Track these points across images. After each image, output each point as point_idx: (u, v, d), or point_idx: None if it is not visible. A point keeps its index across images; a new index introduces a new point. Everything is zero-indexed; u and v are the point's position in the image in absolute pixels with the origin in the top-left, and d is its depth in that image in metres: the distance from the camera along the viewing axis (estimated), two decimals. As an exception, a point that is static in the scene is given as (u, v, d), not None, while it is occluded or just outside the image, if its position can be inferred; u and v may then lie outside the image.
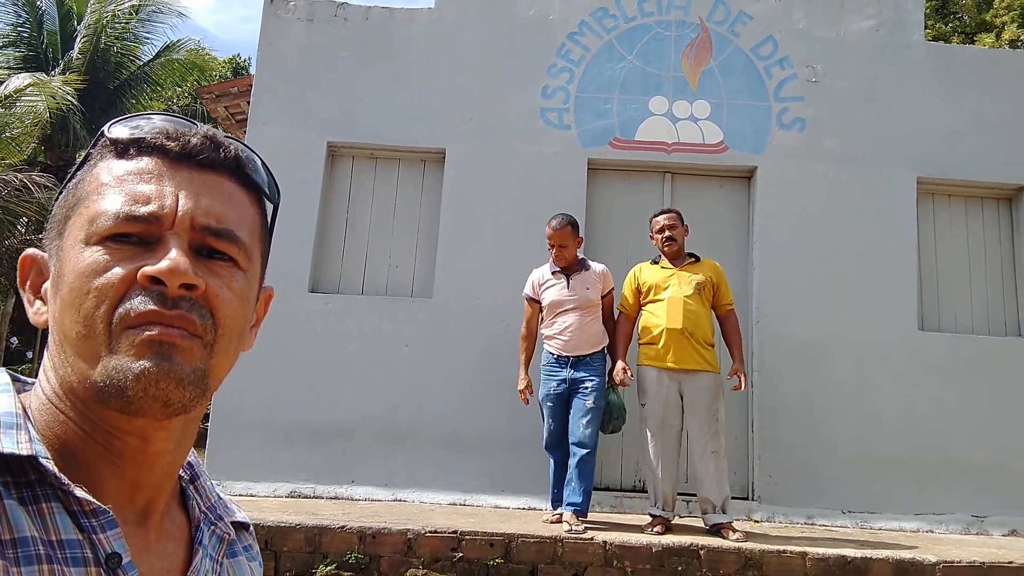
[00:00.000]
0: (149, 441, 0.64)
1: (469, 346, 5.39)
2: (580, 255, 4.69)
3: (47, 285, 0.66)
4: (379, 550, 4.13)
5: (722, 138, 5.81)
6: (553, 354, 4.53)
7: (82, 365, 0.61)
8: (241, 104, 6.33)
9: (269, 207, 0.76)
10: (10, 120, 10.68)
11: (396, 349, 5.41)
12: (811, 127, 5.79)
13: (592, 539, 4.11)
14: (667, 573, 4.13)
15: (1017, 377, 5.47)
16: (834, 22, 5.95)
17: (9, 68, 13.36)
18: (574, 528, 4.18)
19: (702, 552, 4.12)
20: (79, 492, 0.59)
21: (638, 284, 4.70)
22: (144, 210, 0.63)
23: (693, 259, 4.71)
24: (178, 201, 0.64)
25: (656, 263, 4.73)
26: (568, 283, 4.53)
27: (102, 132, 0.68)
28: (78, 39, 14.01)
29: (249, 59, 22.94)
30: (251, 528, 0.82)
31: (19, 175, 8.55)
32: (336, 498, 5.17)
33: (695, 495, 4.74)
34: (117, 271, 0.61)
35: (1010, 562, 4.14)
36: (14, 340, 16.59)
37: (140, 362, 0.59)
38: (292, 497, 5.16)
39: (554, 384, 4.51)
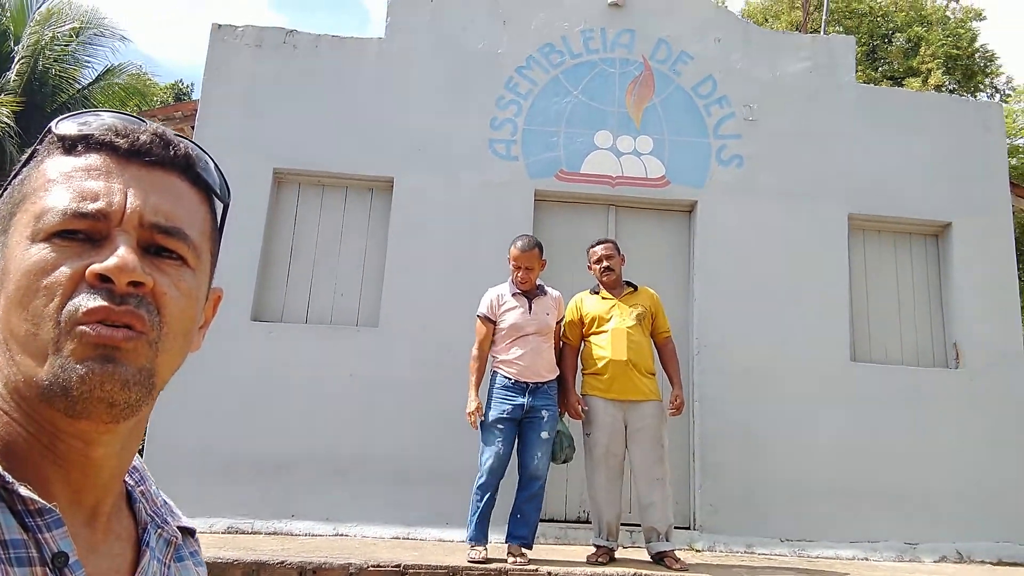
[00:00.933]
0: (93, 444, 0.63)
1: (415, 376, 5.36)
2: (538, 280, 4.59)
3: None
4: (320, 585, 4.04)
5: (664, 173, 5.96)
6: (509, 379, 4.34)
7: (28, 363, 0.60)
8: (185, 129, 6.23)
9: (219, 207, 0.76)
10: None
11: (341, 379, 5.34)
12: (748, 164, 5.99)
13: (536, 571, 4.10)
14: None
15: (945, 407, 5.68)
16: (770, 64, 6.20)
17: (-60, 88, 12.92)
18: (519, 560, 4.16)
19: (644, 582, 4.14)
20: (23, 491, 0.58)
21: (581, 315, 4.73)
22: (92, 207, 0.62)
23: (631, 288, 4.77)
24: (126, 198, 0.64)
25: (596, 293, 4.78)
26: (530, 307, 4.41)
27: (49, 128, 0.67)
28: (15, 61, 13.64)
29: (192, 85, 22.62)
30: (196, 534, 0.81)
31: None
32: (276, 533, 5.05)
33: (639, 525, 4.76)
34: (65, 269, 0.60)
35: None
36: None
37: (84, 363, 0.59)
38: (230, 533, 5.01)
39: (509, 408, 4.29)
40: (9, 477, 0.58)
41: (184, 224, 0.67)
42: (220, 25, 5.90)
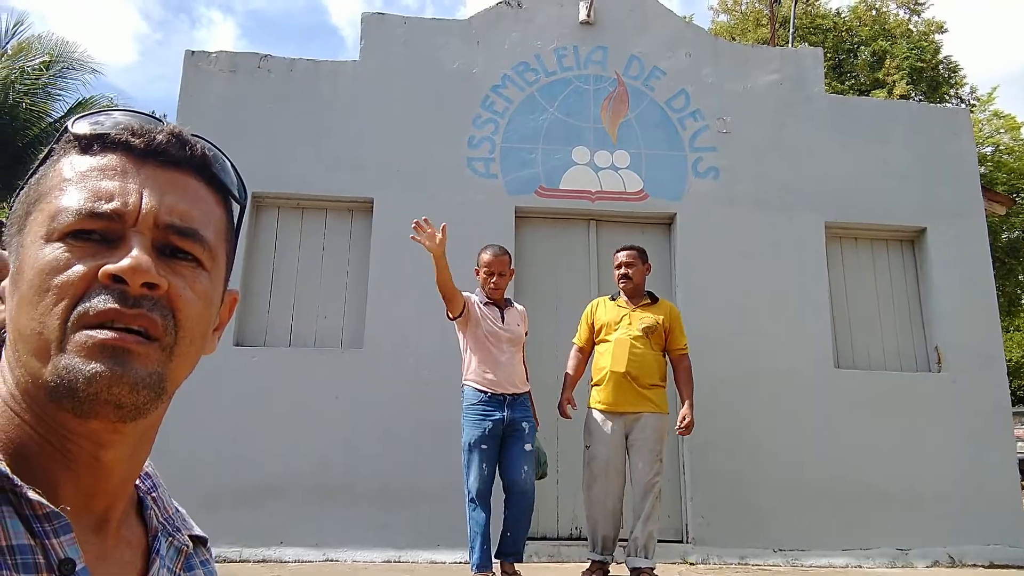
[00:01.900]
0: (103, 446, 0.62)
1: (401, 396, 5.31)
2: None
3: (5, 283, 0.64)
4: (310, 612, 3.96)
5: (642, 186, 6.00)
6: (485, 392, 4.16)
7: (35, 364, 0.59)
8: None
9: (236, 209, 0.75)
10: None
11: (326, 401, 5.28)
12: (724, 175, 6.05)
13: (531, 587, 4.05)
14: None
15: (929, 410, 5.73)
16: (740, 77, 6.29)
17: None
18: None
19: (640, 595, 4.10)
20: (32, 495, 0.56)
21: (592, 320, 4.67)
22: (107, 207, 0.61)
23: (649, 300, 4.66)
24: (142, 198, 0.63)
25: (614, 299, 4.70)
26: (502, 317, 4.31)
27: (66, 128, 0.66)
28: (-16, 95, 13.53)
29: (165, 116, 22.54)
30: (208, 543, 0.80)
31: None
32: (264, 561, 4.95)
33: None
34: (78, 268, 0.59)
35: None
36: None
37: (92, 364, 0.57)
38: (218, 562, 4.89)
39: (490, 425, 4.11)
40: (18, 480, 0.56)
41: (200, 225, 0.66)
42: (193, 52, 5.88)
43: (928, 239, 6.14)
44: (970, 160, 6.43)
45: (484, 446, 4.10)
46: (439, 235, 4.07)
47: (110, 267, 0.59)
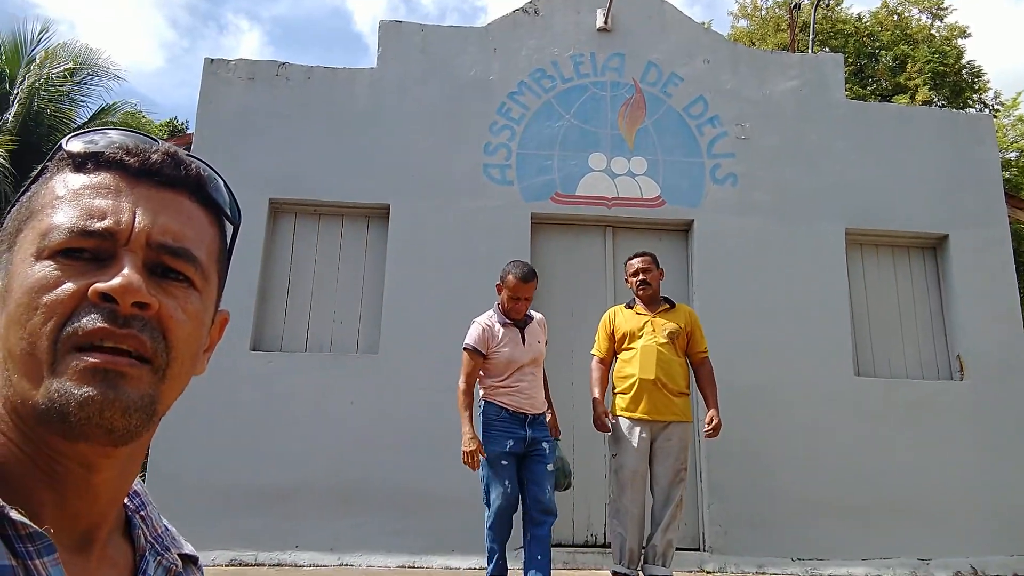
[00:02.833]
0: (92, 469, 0.61)
1: (416, 402, 5.32)
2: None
3: None
4: (324, 617, 3.97)
5: (659, 193, 5.98)
6: (508, 410, 4.00)
7: (25, 385, 0.58)
8: (180, 163, 6.25)
9: (229, 229, 0.74)
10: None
11: (342, 407, 5.30)
12: (743, 182, 6.01)
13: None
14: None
15: (950, 419, 5.65)
16: (760, 83, 6.25)
17: (-64, 131, 12.97)
18: None
19: (655, 604, 4.07)
20: (14, 515, 0.55)
21: (612, 329, 4.61)
22: (99, 225, 0.61)
23: (668, 305, 4.61)
24: (135, 218, 0.62)
25: (631, 307, 4.63)
26: (523, 338, 4.10)
27: (60, 145, 0.66)
28: (12, 101, 13.73)
29: (187, 122, 22.78)
30: (199, 562, 0.78)
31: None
32: (279, 565, 4.97)
33: None
34: (67, 287, 0.59)
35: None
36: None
37: (84, 388, 0.57)
38: (233, 566, 4.93)
39: (512, 442, 3.94)
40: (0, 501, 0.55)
41: (192, 245, 0.66)
42: (212, 59, 5.95)
43: (950, 246, 6.05)
44: (993, 166, 6.34)
45: (505, 462, 3.93)
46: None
47: (100, 285, 0.58)
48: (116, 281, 0.58)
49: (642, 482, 4.39)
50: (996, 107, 18.10)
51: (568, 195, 5.91)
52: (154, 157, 0.65)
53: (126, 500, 0.70)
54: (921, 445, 5.56)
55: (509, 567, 4.03)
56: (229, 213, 0.72)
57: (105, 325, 0.58)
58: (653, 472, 4.42)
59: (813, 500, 5.39)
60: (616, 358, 4.60)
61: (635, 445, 4.36)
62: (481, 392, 4.10)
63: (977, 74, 18.18)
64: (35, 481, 0.60)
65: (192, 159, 0.69)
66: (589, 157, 6.01)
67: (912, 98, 16.04)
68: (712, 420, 4.40)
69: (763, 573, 5.15)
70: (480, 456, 3.90)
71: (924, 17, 18.94)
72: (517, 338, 4.09)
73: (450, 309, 5.50)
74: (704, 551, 5.30)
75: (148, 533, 0.71)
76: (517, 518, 4.05)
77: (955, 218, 6.09)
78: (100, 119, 16.07)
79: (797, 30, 15.53)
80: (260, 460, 5.15)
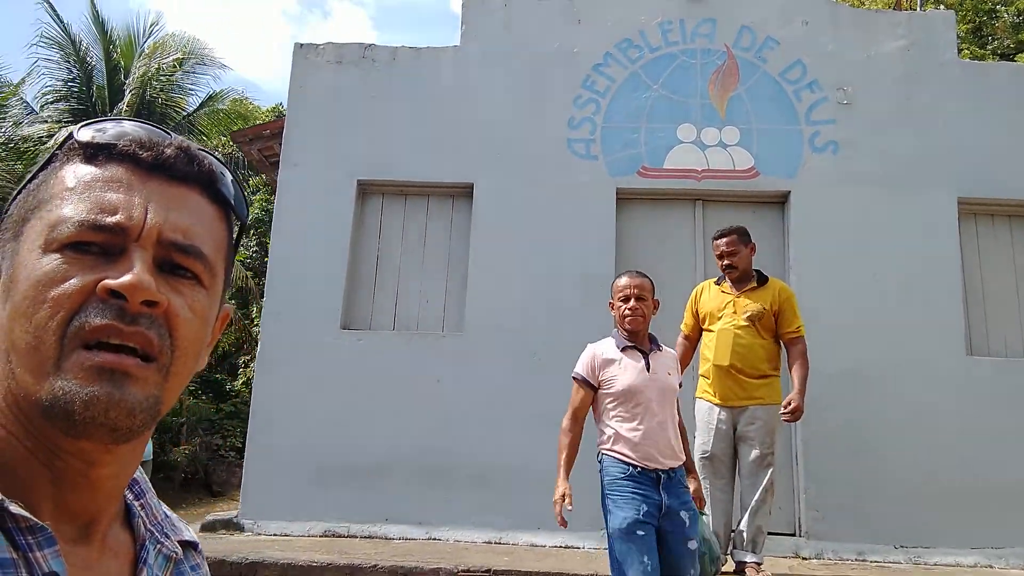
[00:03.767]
0: (93, 464, 0.61)
1: (501, 380, 5.34)
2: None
3: None
4: (411, 590, 4.06)
5: (753, 163, 5.73)
6: (632, 466, 3.05)
7: (28, 379, 0.58)
8: (274, 146, 6.45)
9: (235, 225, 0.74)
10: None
11: (428, 385, 5.38)
12: (844, 149, 5.68)
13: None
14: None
15: (1076, 402, 5.21)
16: (863, 44, 5.87)
17: (60, 122, 13.90)
18: None
19: (745, 590, 3.95)
20: (14, 508, 0.55)
21: (697, 307, 4.47)
22: (110, 220, 0.60)
23: (756, 283, 4.38)
24: (146, 213, 0.61)
25: (719, 284, 4.47)
26: (647, 364, 3.19)
27: (71, 133, 0.65)
28: (126, 92, 14.55)
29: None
30: (199, 547, 0.78)
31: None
32: (371, 537, 5.12)
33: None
34: (75, 281, 0.58)
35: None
36: None
37: (89, 388, 0.57)
38: (327, 536, 5.11)
39: (646, 508, 2.98)
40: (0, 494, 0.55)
41: (202, 243, 0.65)
42: (302, 44, 6.08)
43: (1078, 214, 5.55)
44: None
45: (642, 532, 2.95)
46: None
47: (110, 282, 0.58)
48: (126, 278, 0.58)
49: (724, 466, 4.27)
50: None
51: (655, 168, 5.75)
52: (167, 152, 0.64)
53: (125, 490, 0.69)
54: (1041, 429, 5.15)
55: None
56: (237, 209, 0.71)
57: (113, 322, 0.57)
58: (740, 457, 4.28)
59: (919, 486, 5.09)
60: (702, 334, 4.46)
61: (714, 428, 4.24)
62: (598, 445, 3.20)
63: (1117, 24, 16.54)
64: (35, 475, 0.60)
65: (205, 154, 0.68)
66: (678, 129, 5.82)
67: (1039, 54, 14.78)
68: (790, 403, 4.17)
69: (863, 560, 4.92)
70: (567, 506, 3.04)
71: (1055, -36, 17.36)
72: (639, 364, 3.17)
73: (534, 287, 5.48)
74: (800, 536, 5.11)
75: (148, 521, 0.71)
76: None
77: (1084, 184, 5.57)
78: (208, 106, 16.83)
79: (908, -14, 14.54)
80: (352, 436, 5.30)
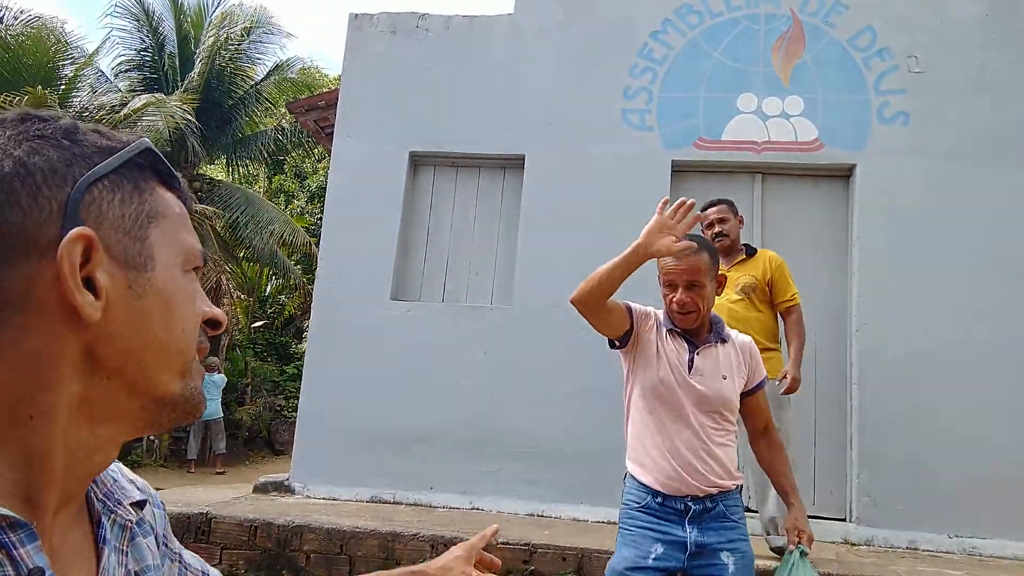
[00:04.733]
0: (112, 452, 0.67)
1: (548, 354, 5.32)
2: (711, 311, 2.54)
3: (108, 279, 0.60)
4: (451, 559, 4.11)
5: (817, 135, 5.50)
6: (653, 493, 2.37)
7: (165, 378, 0.65)
8: (329, 117, 6.50)
9: None
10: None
11: (475, 357, 5.40)
12: (915, 121, 5.39)
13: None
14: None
15: None
16: (938, 9, 5.52)
17: (132, 90, 14.32)
18: None
19: (787, 576, 3.87)
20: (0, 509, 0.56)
21: None
22: (200, 260, 0.71)
23: (745, 256, 4.27)
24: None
25: None
26: (691, 360, 2.42)
27: (148, 147, 0.66)
28: (196, 61, 14.87)
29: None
30: (147, 501, 0.78)
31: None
32: (416, 504, 5.21)
33: (755, 512, 4.36)
34: (202, 307, 0.70)
35: None
36: None
37: (200, 391, 0.70)
38: (373, 502, 5.23)
39: (663, 550, 2.32)
40: None
41: None
42: (357, 14, 6.07)
43: None
44: None
45: None
46: None
47: (219, 314, 0.71)
48: (220, 312, 0.72)
49: None
50: None
51: (713, 140, 5.58)
52: (183, 183, 0.73)
53: None
54: (1120, 421, 4.85)
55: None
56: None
57: (206, 343, 0.69)
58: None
59: (979, 474, 4.86)
60: None
61: None
62: (627, 458, 2.53)
63: None
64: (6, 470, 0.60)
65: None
66: (738, 98, 5.62)
67: None
68: (785, 376, 3.99)
69: (914, 549, 4.76)
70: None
71: None
72: (682, 357, 2.42)
73: (584, 261, 5.35)
74: (850, 523, 4.97)
75: (99, 492, 0.72)
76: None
77: None
78: (277, 75, 17.06)
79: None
80: (400, 405, 5.38)
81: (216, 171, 18.59)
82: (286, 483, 5.38)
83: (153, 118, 11.26)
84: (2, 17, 13.01)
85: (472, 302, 5.66)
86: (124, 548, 0.71)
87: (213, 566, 0.77)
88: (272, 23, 16.00)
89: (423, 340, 5.47)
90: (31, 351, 0.58)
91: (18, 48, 12.23)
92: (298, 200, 19.64)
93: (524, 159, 5.69)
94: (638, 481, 2.41)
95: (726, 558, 2.31)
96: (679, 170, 5.60)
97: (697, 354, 2.42)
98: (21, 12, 13.29)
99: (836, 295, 5.36)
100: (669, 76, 5.68)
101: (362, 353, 5.45)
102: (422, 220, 5.86)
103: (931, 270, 5.17)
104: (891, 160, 5.36)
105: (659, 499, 2.35)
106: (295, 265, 16.20)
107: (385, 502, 5.22)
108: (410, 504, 5.21)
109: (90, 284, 0.59)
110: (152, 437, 10.89)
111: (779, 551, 4.04)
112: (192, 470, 10.80)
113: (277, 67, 17.10)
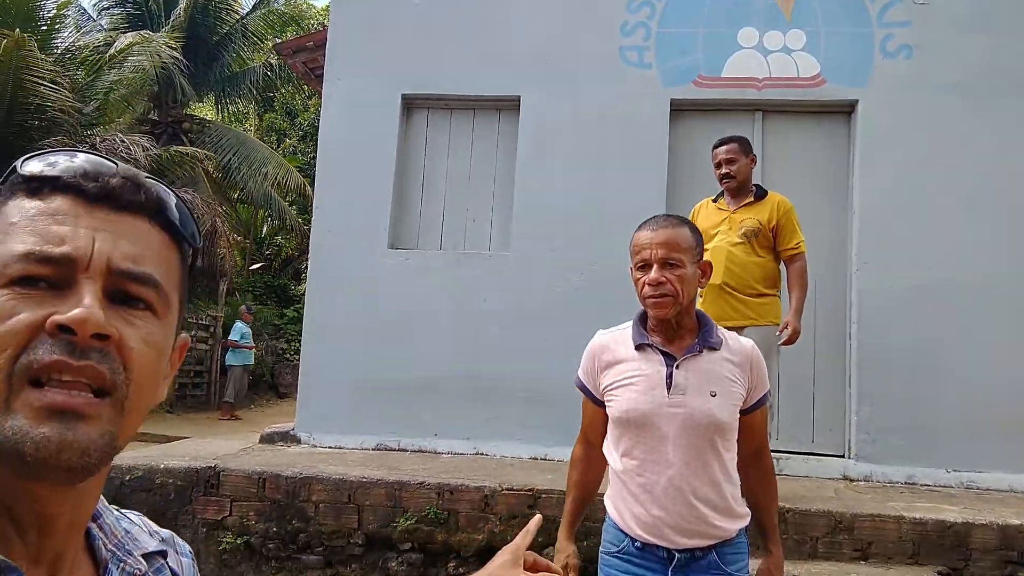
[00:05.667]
0: (48, 505, 0.61)
1: (548, 299, 5.32)
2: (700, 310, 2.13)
3: None
4: (457, 506, 4.20)
5: (819, 70, 5.37)
6: (632, 538, 1.99)
7: None
8: (318, 58, 6.33)
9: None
10: (120, 79, 11.14)
11: (475, 304, 5.40)
12: (919, 55, 5.26)
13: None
14: (751, 536, 3.99)
15: None
16: (947, -65, 5.33)
17: (115, 28, 13.92)
18: None
19: (788, 515, 3.96)
20: None
21: None
22: (57, 251, 0.59)
23: (753, 198, 4.09)
24: (94, 243, 0.61)
25: (716, 201, 4.19)
26: (669, 375, 1.96)
27: (14, 167, 0.64)
28: (181, -2, 14.41)
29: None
30: (167, 550, 0.77)
31: (122, 137, 8.99)
32: (420, 451, 5.29)
33: None
34: (23, 317, 0.57)
35: None
36: None
37: (40, 428, 0.56)
38: (379, 450, 5.30)
39: None
40: None
41: (154, 270, 0.64)
42: (344, -50, 5.84)
43: None
44: None
45: None
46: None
47: (58, 317, 0.57)
48: (75, 312, 0.57)
49: None
50: None
51: (713, 77, 5.45)
52: (114, 182, 0.63)
53: None
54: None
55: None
56: (188, 237, 0.70)
57: (62, 358, 0.57)
58: None
59: (979, 410, 4.93)
60: None
61: None
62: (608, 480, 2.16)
63: None
64: (2, 518, 0.60)
65: (152, 182, 0.67)
66: (738, 33, 5.47)
67: None
68: (785, 326, 3.88)
69: (912, 484, 4.86)
70: None
71: None
72: (657, 375, 1.97)
73: (582, 204, 5.36)
74: (849, 459, 5.06)
75: (108, 542, 0.71)
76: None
77: None
78: (263, 7, 16.58)
79: None
80: (402, 352, 5.40)
81: (205, 110, 18.25)
82: (292, 433, 5.44)
83: (139, 58, 10.96)
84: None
85: (470, 249, 5.62)
86: None
87: (223, 518, 0.72)
88: (256, -46, 15.47)
89: (422, 288, 5.45)
90: None
91: (-6, -14, 11.82)
92: (290, 139, 19.36)
93: (519, 100, 5.56)
94: (616, 522, 2.03)
95: None
96: (678, 109, 5.49)
97: (677, 368, 1.95)
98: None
99: (837, 234, 5.33)
100: (668, 10, 5.51)
101: (361, 303, 5.44)
102: (417, 166, 5.77)
103: (933, 206, 5.13)
104: (894, 95, 5.26)
105: (638, 544, 1.97)
106: (290, 206, 16.07)
107: (390, 450, 5.30)
108: (415, 451, 5.28)
109: None
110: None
111: None
112: (227, 416, 10.95)
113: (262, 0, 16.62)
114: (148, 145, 9.45)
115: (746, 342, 2.09)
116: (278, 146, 18.65)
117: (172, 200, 0.68)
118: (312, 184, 15.34)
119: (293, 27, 17.12)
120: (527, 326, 5.32)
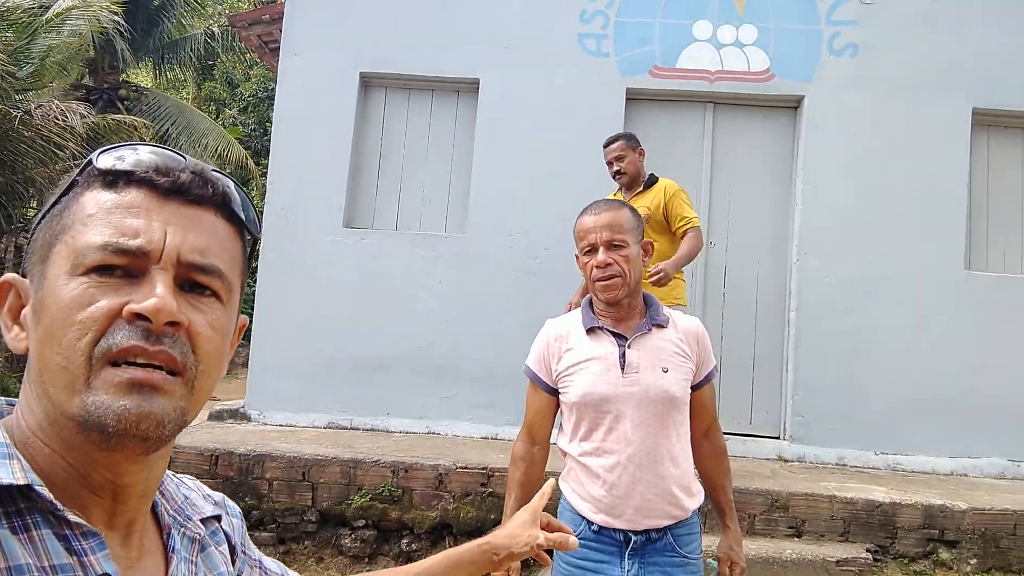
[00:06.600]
0: (124, 474, 0.66)
1: (503, 282, 5.39)
2: (645, 291, 2.19)
3: (27, 311, 0.67)
4: (411, 484, 4.27)
5: (768, 65, 5.55)
6: (588, 522, 2.02)
7: (61, 396, 0.62)
8: (274, 32, 6.22)
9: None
10: (56, 43, 10.64)
11: (430, 284, 5.44)
12: (864, 53, 5.48)
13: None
14: (703, 515, 4.15)
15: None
16: (894, -61, 5.54)
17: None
18: None
19: (729, 493, 4.15)
20: (72, 517, 0.61)
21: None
22: (132, 244, 0.64)
23: (643, 187, 4.23)
24: (166, 236, 0.65)
25: (615, 195, 4.30)
26: (623, 355, 2.02)
27: (90, 160, 0.68)
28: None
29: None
30: (222, 515, 0.84)
31: (58, 103, 8.63)
32: (372, 430, 5.32)
33: None
34: (102, 304, 0.62)
35: (1043, 511, 4.10)
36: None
37: (121, 401, 0.61)
38: (331, 428, 5.31)
39: None
40: (60, 505, 0.61)
41: (219, 261, 0.69)
42: (303, -78, 5.74)
43: (1096, 130, 5.42)
44: None
45: None
46: None
47: (135, 306, 0.62)
48: (151, 302, 0.62)
49: None
50: None
51: (668, 68, 5.57)
52: (183, 176, 0.68)
53: None
54: (1030, 345, 5.25)
55: None
56: (251, 228, 0.75)
57: (139, 343, 0.62)
58: None
59: (907, 395, 5.23)
60: None
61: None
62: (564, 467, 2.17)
63: None
64: (78, 486, 0.65)
65: (218, 176, 0.72)
66: (694, 25, 5.60)
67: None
68: (656, 272, 3.76)
69: (842, 464, 5.14)
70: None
71: None
72: (610, 356, 2.03)
73: (538, 188, 5.44)
74: (784, 440, 5.31)
75: (170, 507, 0.77)
76: None
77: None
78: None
79: None
80: (356, 332, 5.41)
81: (141, 76, 17.61)
82: (242, 410, 5.40)
83: (77, 22, 10.48)
84: None
85: (426, 230, 5.64)
86: (194, 559, 0.76)
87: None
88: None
89: (377, 268, 5.46)
90: None
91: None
92: (230, 109, 18.83)
93: (478, 83, 5.59)
94: (572, 506, 2.05)
95: None
96: (633, 98, 5.60)
97: (629, 347, 2.01)
98: None
99: (780, 225, 5.53)
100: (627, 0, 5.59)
101: (316, 281, 5.42)
102: (374, 145, 5.74)
103: (872, 200, 5.38)
104: (839, 92, 5.47)
105: (594, 527, 1.99)
106: (230, 178, 15.66)
107: (342, 428, 5.32)
108: (367, 429, 5.32)
109: None
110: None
111: None
112: None
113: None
114: (85, 112, 9.08)
115: (692, 320, 2.18)
116: (217, 116, 18.12)
117: (237, 193, 0.73)
118: (253, 156, 14.97)
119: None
120: (481, 308, 5.39)
